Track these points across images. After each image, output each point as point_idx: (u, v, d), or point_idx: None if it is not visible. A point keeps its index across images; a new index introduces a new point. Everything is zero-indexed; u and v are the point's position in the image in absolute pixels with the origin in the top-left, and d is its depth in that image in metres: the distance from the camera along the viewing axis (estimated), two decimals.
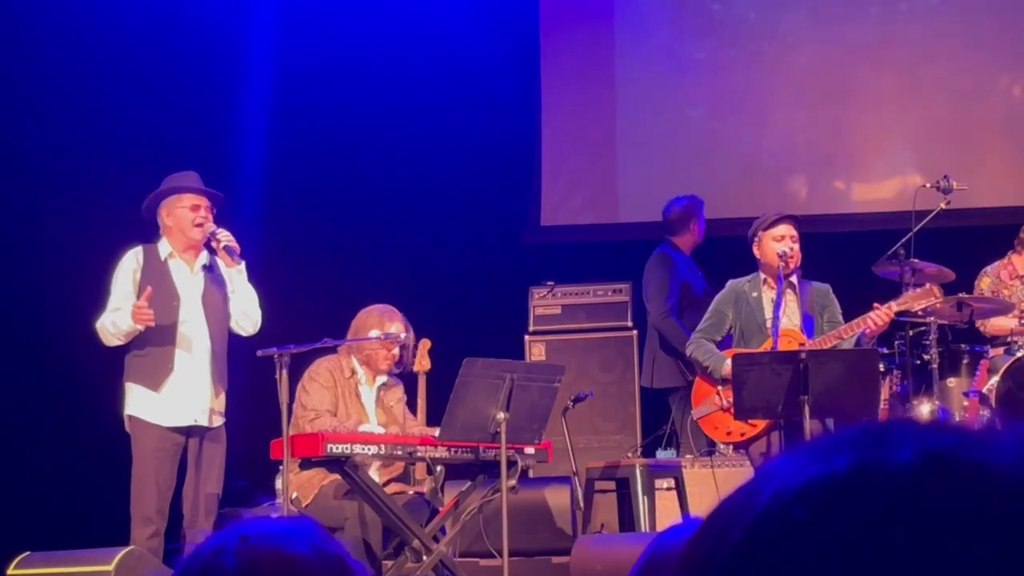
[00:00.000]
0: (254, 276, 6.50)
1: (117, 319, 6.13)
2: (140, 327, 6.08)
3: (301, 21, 9.55)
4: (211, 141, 8.74)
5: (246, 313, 6.36)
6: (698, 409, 6.73)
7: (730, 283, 6.78)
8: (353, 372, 6.47)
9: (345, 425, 6.25)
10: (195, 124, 8.93)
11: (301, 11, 9.56)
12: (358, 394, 6.47)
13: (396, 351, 6.45)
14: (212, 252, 6.40)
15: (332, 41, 9.54)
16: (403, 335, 6.43)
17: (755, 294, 6.61)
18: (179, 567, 1.46)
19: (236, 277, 6.34)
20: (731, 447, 7.21)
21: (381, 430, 6.29)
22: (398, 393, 6.60)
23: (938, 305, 7.10)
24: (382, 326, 6.45)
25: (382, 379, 6.55)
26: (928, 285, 6.67)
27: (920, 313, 6.71)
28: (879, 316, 6.43)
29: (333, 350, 6.46)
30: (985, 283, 7.92)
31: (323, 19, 9.57)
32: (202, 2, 9.30)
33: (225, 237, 6.28)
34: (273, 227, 8.74)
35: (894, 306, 6.52)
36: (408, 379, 6.73)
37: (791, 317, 6.65)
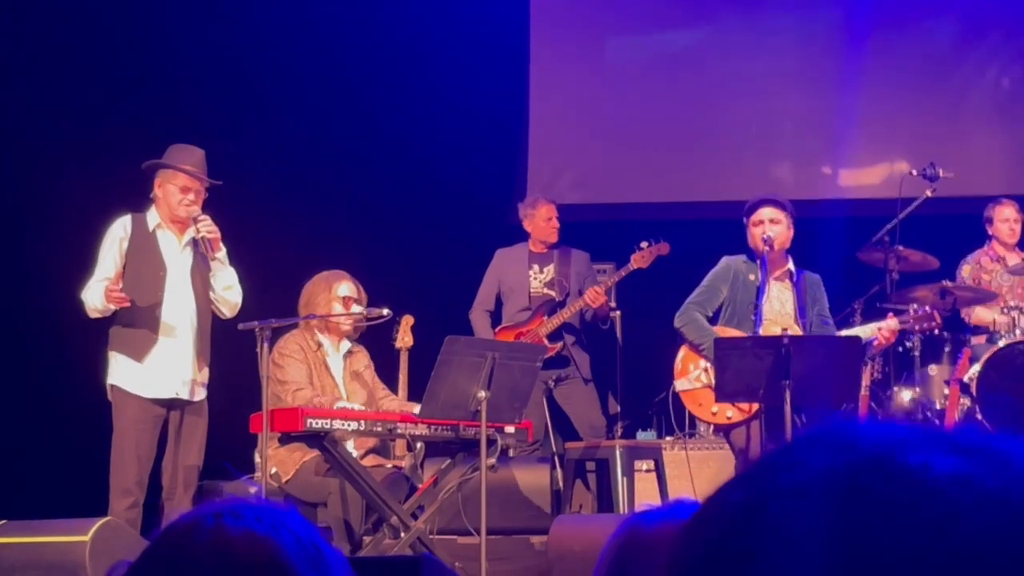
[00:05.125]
0: (237, 250, 6.46)
1: (92, 294, 6.10)
2: (112, 306, 6.05)
3: None
4: (195, 114, 8.68)
5: (224, 297, 6.31)
6: (680, 381, 6.59)
7: (725, 259, 6.68)
8: (319, 345, 6.48)
9: (322, 400, 6.24)
10: (182, 97, 8.88)
11: None
12: (327, 365, 6.48)
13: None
14: None
15: (319, 13, 9.49)
16: (362, 300, 6.50)
17: (752, 277, 6.54)
18: (152, 541, 1.45)
19: (215, 264, 6.26)
20: (711, 428, 7.16)
21: (357, 406, 6.27)
22: (364, 359, 6.62)
23: (922, 293, 7.12)
24: (331, 289, 6.47)
25: (347, 346, 6.55)
26: (931, 311, 6.65)
27: (911, 312, 6.70)
28: (891, 331, 6.47)
29: (298, 326, 6.46)
30: (966, 271, 7.96)
31: None
32: None
33: (205, 228, 6.15)
34: (256, 201, 8.70)
35: (898, 325, 6.54)
36: (390, 355, 6.73)
37: (784, 305, 6.60)
